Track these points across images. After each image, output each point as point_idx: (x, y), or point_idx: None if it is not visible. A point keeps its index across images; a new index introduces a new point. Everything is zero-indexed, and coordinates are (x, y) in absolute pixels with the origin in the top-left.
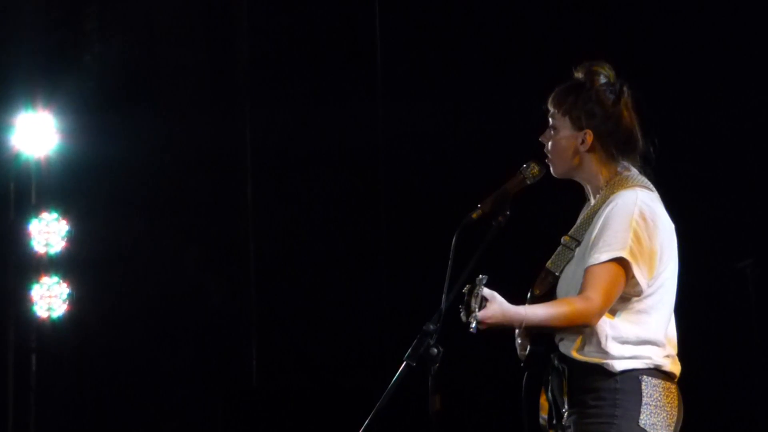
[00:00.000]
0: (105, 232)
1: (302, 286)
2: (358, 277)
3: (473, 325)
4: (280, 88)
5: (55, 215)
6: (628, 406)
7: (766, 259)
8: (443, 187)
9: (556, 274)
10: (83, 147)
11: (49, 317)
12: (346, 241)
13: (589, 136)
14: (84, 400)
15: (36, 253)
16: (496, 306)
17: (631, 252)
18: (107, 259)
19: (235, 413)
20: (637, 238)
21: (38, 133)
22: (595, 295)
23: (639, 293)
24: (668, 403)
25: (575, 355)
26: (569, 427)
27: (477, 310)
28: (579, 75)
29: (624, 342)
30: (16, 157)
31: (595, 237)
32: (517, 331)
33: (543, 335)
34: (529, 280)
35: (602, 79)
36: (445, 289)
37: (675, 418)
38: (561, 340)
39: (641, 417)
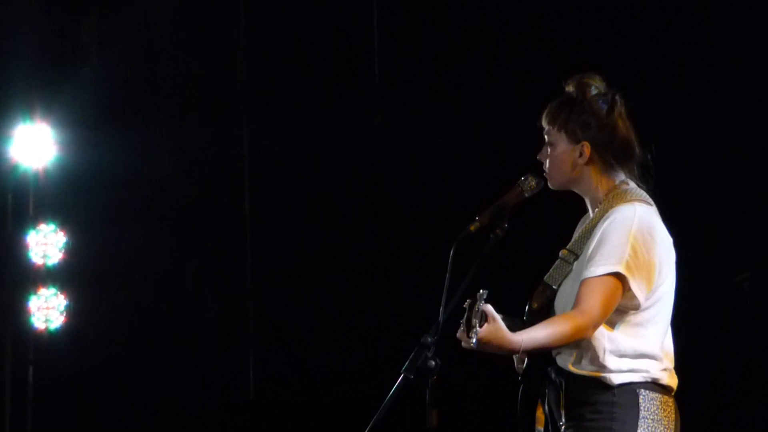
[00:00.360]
0: (103, 243)
1: (300, 298)
2: (356, 289)
3: (473, 341)
4: (278, 100)
5: (52, 227)
6: (625, 420)
7: (764, 273)
8: (441, 200)
9: (554, 287)
10: (81, 159)
11: (46, 329)
12: (343, 252)
13: (587, 148)
14: (81, 412)
15: (33, 264)
16: (494, 329)
17: (628, 266)
18: (105, 271)
19: (233, 426)
20: (634, 252)
21: (36, 145)
22: (590, 308)
23: (636, 307)
24: (665, 416)
25: (572, 368)
26: None
27: (478, 326)
28: (570, 88)
29: (621, 355)
30: (14, 168)
31: (593, 250)
32: None
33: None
34: (527, 294)
35: (593, 91)
36: (442, 302)
37: (672, 431)
38: (558, 353)
39: (638, 431)
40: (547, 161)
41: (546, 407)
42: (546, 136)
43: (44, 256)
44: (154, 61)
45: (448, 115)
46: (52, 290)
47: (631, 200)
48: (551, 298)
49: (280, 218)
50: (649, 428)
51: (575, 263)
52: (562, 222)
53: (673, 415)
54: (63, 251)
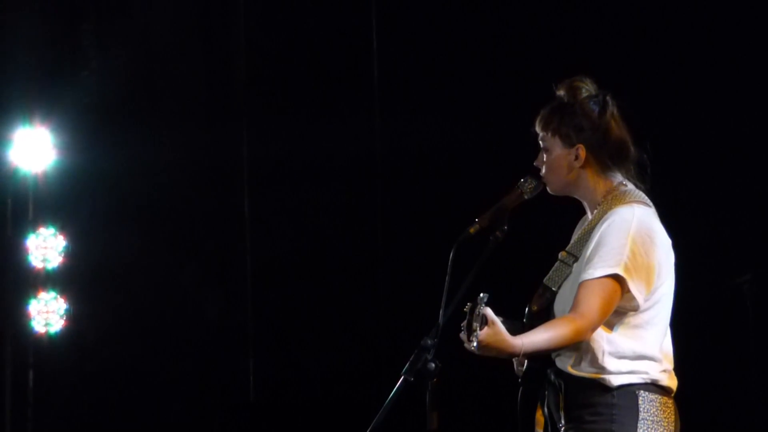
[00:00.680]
0: (102, 247)
1: (299, 300)
2: (356, 291)
3: (474, 344)
4: (277, 103)
5: (52, 230)
6: (624, 422)
7: (765, 275)
8: (441, 202)
9: (554, 289)
10: (81, 162)
11: (46, 333)
12: (343, 255)
13: (582, 151)
14: (82, 415)
15: (33, 268)
16: (494, 333)
17: (626, 268)
18: (105, 274)
19: (233, 427)
20: (633, 254)
21: (36, 149)
22: (589, 310)
23: (635, 308)
24: (665, 418)
25: (572, 370)
26: None
27: (479, 329)
28: (561, 92)
29: (621, 357)
30: (14, 172)
31: (591, 252)
32: None
33: None
34: (527, 296)
35: (584, 93)
36: (442, 304)
37: None
38: (558, 355)
39: None
40: (544, 167)
41: (545, 409)
42: (541, 142)
43: (44, 260)
44: (153, 64)
45: (447, 117)
46: (52, 294)
47: (629, 202)
48: (550, 301)
49: (279, 220)
50: (649, 430)
51: (574, 265)
52: (561, 224)
53: (673, 417)
54: (63, 255)
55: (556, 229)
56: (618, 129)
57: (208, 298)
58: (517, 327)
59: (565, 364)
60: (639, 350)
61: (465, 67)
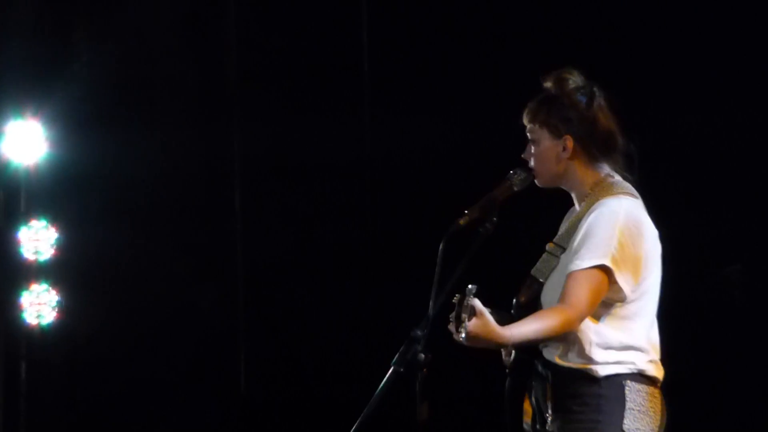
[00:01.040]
0: (95, 240)
1: (290, 294)
2: (346, 285)
3: (463, 335)
4: (268, 100)
5: (44, 223)
6: (611, 412)
7: (753, 265)
8: (430, 196)
9: (541, 281)
10: (72, 155)
11: (38, 324)
12: (333, 250)
13: (569, 142)
14: (74, 406)
15: (25, 260)
16: (483, 324)
17: (614, 259)
18: (97, 267)
19: (224, 419)
20: (621, 245)
21: (27, 142)
22: (577, 301)
23: (622, 299)
24: (652, 407)
25: (559, 361)
26: None
27: (467, 320)
28: (548, 84)
29: (608, 348)
30: (6, 165)
31: (579, 243)
32: None
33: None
34: (515, 288)
35: (571, 85)
36: (432, 296)
37: (659, 422)
38: (545, 346)
39: (625, 422)
40: (532, 159)
41: (533, 400)
42: (529, 134)
43: (36, 252)
44: (144, 59)
45: (436, 115)
46: (44, 286)
47: (617, 193)
48: (538, 292)
49: (270, 217)
50: (636, 419)
51: (562, 256)
52: (549, 216)
53: (660, 406)
54: (55, 247)
55: (545, 220)
56: (605, 120)
57: (200, 293)
58: (505, 318)
59: (553, 354)
60: (626, 341)
61: (454, 68)
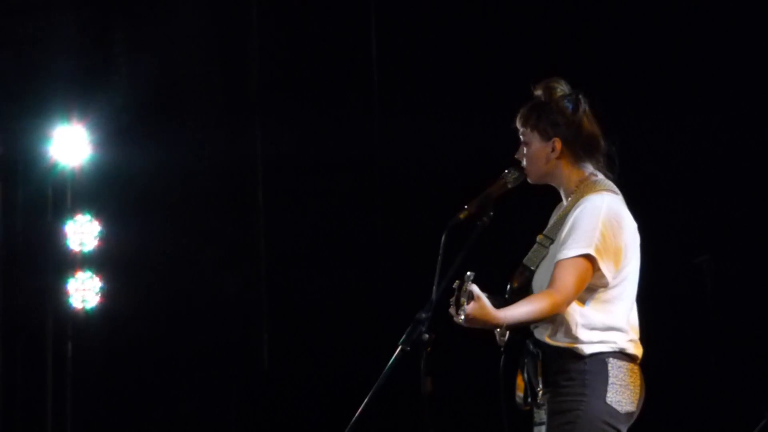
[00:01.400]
0: (132, 232)
1: (308, 280)
2: (358, 271)
3: (462, 317)
4: (287, 104)
5: (88, 217)
6: (596, 386)
7: (722, 255)
8: (433, 191)
9: (532, 269)
10: (113, 157)
11: (83, 309)
12: (346, 240)
13: (558, 143)
14: (114, 382)
15: (71, 251)
16: (480, 307)
17: (597, 249)
18: (135, 256)
19: (249, 395)
20: (603, 237)
21: (73, 145)
22: (564, 286)
23: (605, 285)
24: (632, 382)
25: (548, 340)
26: (543, 404)
27: (466, 303)
28: (538, 92)
29: (592, 328)
30: (54, 165)
31: (566, 235)
32: None
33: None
34: (508, 275)
35: (559, 92)
36: (435, 282)
37: (638, 395)
38: (536, 327)
39: (608, 395)
40: (524, 159)
41: (525, 375)
42: (521, 137)
43: (81, 244)
44: (177, 68)
45: (437, 119)
46: (88, 274)
47: (599, 190)
48: (530, 278)
49: (290, 209)
50: (618, 393)
51: (551, 247)
52: (539, 211)
53: (639, 381)
54: (98, 239)
55: (535, 215)
56: (589, 124)
57: (226, 279)
58: (499, 302)
59: (543, 334)
60: (608, 322)
61: (454, 74)
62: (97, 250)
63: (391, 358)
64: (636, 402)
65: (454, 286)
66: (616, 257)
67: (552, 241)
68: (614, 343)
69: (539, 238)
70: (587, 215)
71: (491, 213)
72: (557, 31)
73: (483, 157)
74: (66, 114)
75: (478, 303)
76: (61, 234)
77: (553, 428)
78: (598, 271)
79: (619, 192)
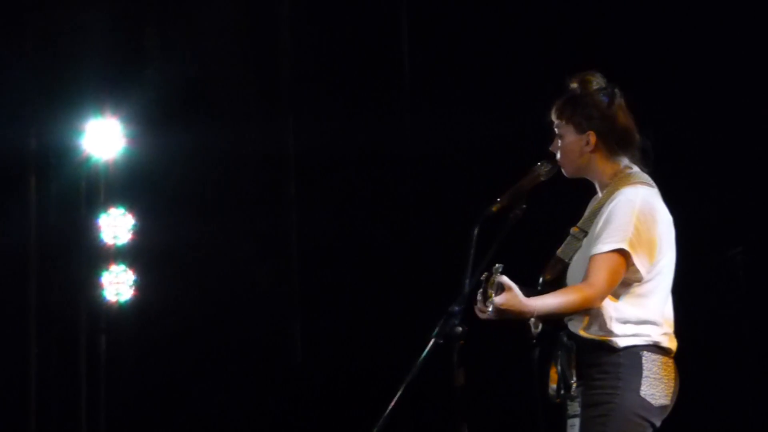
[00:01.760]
0: (166, 225)
1: (340, 273)
2: (390, 263)
3: (490, 309)
4: (319, 98)
5: (121, 210)
6: (629, 379)
7: (755, 247)
8: (465, 184)
9: (566, 261)
10: (146, 150)
11: (117, 301)
12: (378, 232)
13: (592, 137)
14: (147, 375)
15: (105, 244)
16: (511, 296)
17: (631, 243)
18: (168, 250)
19: (281, 388)
20: (637, 230)
21: (106, 138)
22: (598, 281)
23: (639, 279)
24: (666, 375)
25: (582, 333)
26: (577, 397)
27: (494, 295)
28: (574, 85)
29: (626, 322)
30: (87, 159)
31: (600, 229)
32: None
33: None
34: (541, 267)
35: (594, 86)
36: (467, 275)
37: (672, 389)
38: (570, 320)
39: (642, 388)
40: (558, 151)
41: (559, 368)
42: (556, 129)
43: (114, 237)
44: (209, 63)
45: (470, 112)
46: (122, 267)
47: (634, 183)
48: (563, 271)
49: (322, 202)
50: (652, 386)
51: (584, 239)
52: (572, 203)
53: (673, 374)
54: (131, 232)
55: (568, 207)
56: (624, 118)
57: (258, 272)
58: (530, 294)
59: (577, 327)
60: (642, 316)
61: (487, 67)
62: (130, 244)
63: (423, 351)
64: (670, 395)
65: (481, 278)
66: (651, 251)
67: (586, 233)
68: (648, 336)
69: (573, 230)
70: (621, 209)
71: (524, 205)
72: (592, 22)
73: (515, 149)
74: (99, 108)
75: (510, 293)
76: (95, 227)
77: (587, 421)
78: (632, 266)
79: (654, 185)
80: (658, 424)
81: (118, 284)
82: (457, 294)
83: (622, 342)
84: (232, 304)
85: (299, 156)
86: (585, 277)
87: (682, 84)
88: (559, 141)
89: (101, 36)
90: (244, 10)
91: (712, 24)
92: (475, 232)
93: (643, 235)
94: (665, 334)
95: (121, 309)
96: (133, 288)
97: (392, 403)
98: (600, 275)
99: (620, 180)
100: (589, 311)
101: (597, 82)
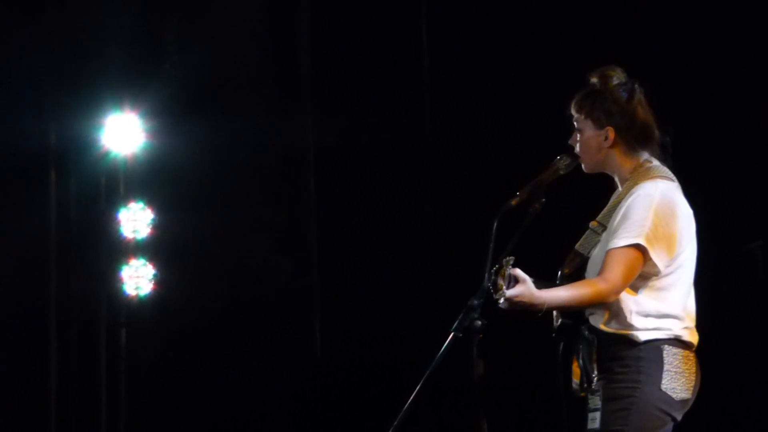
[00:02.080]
0: (185, 219)
1: (358, 267)
2: (409, 259)
3: (501, 301)
4: (338, 94)
5: (141, 205)
6: (651, 372)
7: None
8: (484, 178)
9: (585, 255)
10: (166, 145)
11: (137, 295)
12: (397, 227)
13: (611, 132)
14: (167, 368)
15: (125, 238)
16: (524, 288)
17: (648, 238)
18: (188, 244)
19: (301, 382)
20: (655, 225)
21: (126, 133)
22: (613, 276)
23: (657, 273)
24: (687, 369)
25: (603, 327)
26: (598, 390)
27: (505, 287)
28: (594, 80)
29: (646, 315)
30: (107, 154)
31: (617, 223)
32: None
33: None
34: (560, 261)
35: (615, 81)
36: (487, 269)
37: (693, 382)
38: (591, 314)
39: (663, 382)
40: (577, 145)
41: (581, 362)
42: (575, 123)
43: (134, 231)
44: (228, 59)
45: (489, 107)
46: (142, 261)
47: (653, 177)
48: (581, 265)
49: (341, 196)
50: (673, 380)
51: (603, 234)
52: (591, 196)
53: (694, 368)
54: (151, 226)
55: (587, 201)
56: (644, 114)
57: (278, 266)
58: (546, 287)
59: (598, 321)
60: (663, 309)
61: (506, 62)
62: (150, 238)
63: (443, 344)
64: (691, 389)
65: (491, 270)
66: (670, 245)
67: (605, 228)
68: (669, 330)
69: (592, 224)
70: (639, 204)
71: (543, 199)
72: (612, 17)
73: (534, 143)
74: (118, 102)
75: (523, 285)
76: (115, 222)
77: (608, 414)
78: (649, 260)
79: (674, 178)
80: (679, 418)
81: (137, 278)
82: (477, 288)
83: (642, 336)
84: (252, 298)
85: (319, 149)
86: (600, 272)
87: (701, 77)
88: (578, 135)
89: (121, 31)
90: (263, 5)
91: (738, 15)
92: (495, 226)
93: (661, 230)
94: (686, 327)
95: (141, 303)
96: (153, 282)
97: (411, 397)
98: (616, 270)
99: (640, 174)
100: (610, 305)
101: (617, 77)
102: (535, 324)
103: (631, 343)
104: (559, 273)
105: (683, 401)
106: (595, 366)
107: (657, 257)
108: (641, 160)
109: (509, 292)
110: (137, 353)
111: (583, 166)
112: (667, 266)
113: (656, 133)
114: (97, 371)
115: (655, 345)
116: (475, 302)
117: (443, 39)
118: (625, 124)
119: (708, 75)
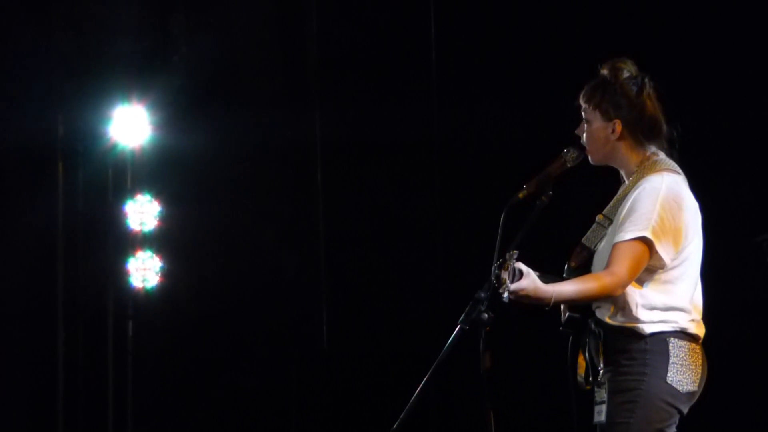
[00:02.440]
0: (193, 212)
1: (366, 260)
2: (416, 252)
3: (505, 295)
4: (346, 86)
5: (148, 197)
6: (656, 365)
7: None
8: (492, 171)
9: (592, 248)
10: (173, 137)
11: (143, 288)
12: (405, 220)
13: (618, 125)
14: (174, 360)
15: (132, 230)
16: (528, 282)
17: (654, 231)
18: (195, 236)
19: (308, 374)
20: (661, 218)
21: (133, 125)
22: (620, 269)
23: (663, 266)
24: (693, 362)
25: (609, 320)
26: (604, 383)
27: (509, 281)
28: (604, 72)
29: (652, 308)
30: (114, 146)
31: (624, 217)
32: None
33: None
34: (567, 254)
35: (625, 74)
36: (494, 261)
37: (699, 375)
38: (597, 307)
39: (668, 374)
40: (584, 135)
41: (587, 354)
42: (583, 114)
43: (141, 223)
44: (235, 51)
45: (496, 99)
46: (149, 253)
47: (660, 170)
48: (588, 258)
49: (348, 189)
50: (678, 372)
51: (609, 227)
52: (598, 189)
53: (701, 361)
54: (158, 219)
55: (595, 194)
56: (652, 109)
57: (285, 259)
58: (552, 281)
59: (604, 315)
60: (669, 302)
61: (513, 54)
62: (157, 230)
63: (450, 337)
64: (697, 382)
65: (495, 264)
66: (676, 238)
67: (611, 221)
68: (675, 322)
69: (599, 218)
70: (645, 197)
71: (551, 192)
72: (623, 9)
73: (542, 135)
74: (126, 95)
75: (527, 279)
76: (122, 214)
77: (614, 407)
78: (656, 254)
79: (680, 171)
80: (685, 410)
81: (144, 270)
82: (485, 280)
83: (648, 328)
84: (259, 291)
85: (326, 142)
86: (607, 265)
87: (710, 70)
88: (586, 126)
89: (128, 23)
90: None
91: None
92: (503, 218)
93: (668, 223)
94: (693, 320)
95: (148, 295)
96: (160, 274)
97: (419, 389)
98: (622, 264)
99: (646, 168)
100: (616, 298)
101: (628, 70)
102: (542, 316)
103: (636, 335)
104: (566, 266)
105: (689, 394)
106: (601, 359)
107: (663, 250)
108: (648, 154)
109: (513, 286)
110: (144, 345)
111: (589, 158)
112: (673, 259)
113: (664, 127)
114: (104, 363)
115: (661, 337)
116: (483, 295)
117: (451, 31)
118: (633, 117)
119: (717, 69)
